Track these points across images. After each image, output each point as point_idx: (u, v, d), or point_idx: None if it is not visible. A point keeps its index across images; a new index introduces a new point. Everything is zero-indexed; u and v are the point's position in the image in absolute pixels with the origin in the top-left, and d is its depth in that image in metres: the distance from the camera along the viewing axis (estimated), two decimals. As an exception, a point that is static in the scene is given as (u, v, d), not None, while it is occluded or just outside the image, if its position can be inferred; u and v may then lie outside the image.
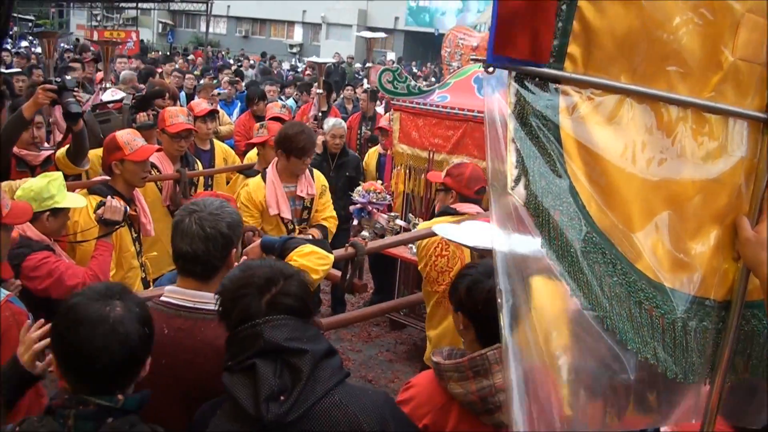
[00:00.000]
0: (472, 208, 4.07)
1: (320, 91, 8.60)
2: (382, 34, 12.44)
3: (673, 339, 1.82)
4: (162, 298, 2.37)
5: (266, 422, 1.78)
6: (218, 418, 1.92)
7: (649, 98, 1.76)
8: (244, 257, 3.26)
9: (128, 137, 4.02)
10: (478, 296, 2.45)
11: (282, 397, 1.81)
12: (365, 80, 10.82)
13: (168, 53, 24.99)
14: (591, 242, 1.72)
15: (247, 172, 5.25)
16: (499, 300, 1.61)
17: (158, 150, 4.55)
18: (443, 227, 3.18)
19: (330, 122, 6.72)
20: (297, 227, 4.95)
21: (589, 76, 1.73)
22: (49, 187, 3.27)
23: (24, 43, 19.45)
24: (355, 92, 11.22)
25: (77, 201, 3.56)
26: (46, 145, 4.66)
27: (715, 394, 1.87)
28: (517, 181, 1.70)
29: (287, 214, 4.80)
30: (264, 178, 4.84)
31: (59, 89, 4.40)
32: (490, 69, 1.69)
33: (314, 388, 1.86)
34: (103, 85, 6.77)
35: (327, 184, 5.21)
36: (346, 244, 3.47)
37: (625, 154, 1.75)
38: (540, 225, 1.69)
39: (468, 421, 2.36)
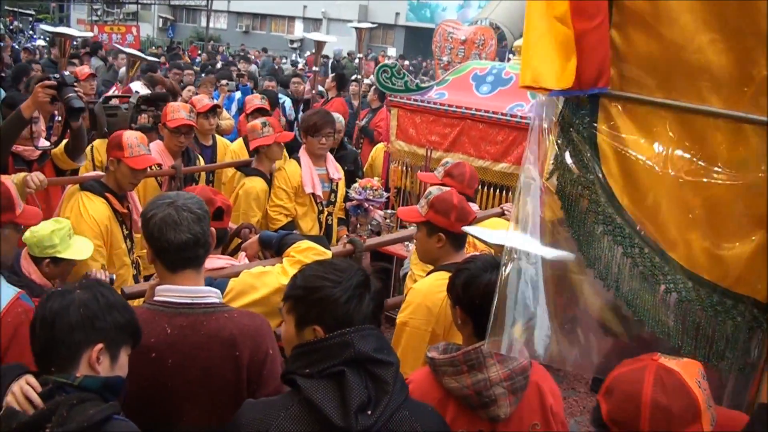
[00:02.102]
0: (474, 206, 4.07)
1: (316, 68, 8.61)
2: (367, 25, 12.44)
3: (695, 325, 2.01)
4: (157, 298, 2.34)
5: None
6: (285, 422, 1.84)
7: (680, 110, 1.96)
8: (242, 252, 3.27)
9: (133, 141, 3.95)
10: (475, 290, 2.46)
11: (369, 410, 1.79)
12: (356, 73, 10.84)
13: (167, 48, 24.97)
14: (616, 226, 2.01)
15: (245, 169, 5.21)
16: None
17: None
18: (472, 227, 3.15)
19: None
20: (325, 209, 5.22)
21: (623, 92, 2.02)
22: (52, 236, 3.21)
23: (40, 42, 19.33)
24: (359, 88, 11.21)
25: (82, 252, 3.42)
26: (43, 140, 4.63)
27: (754, 386, 2.02)
28: (551, 174, 2.08)
29: (320, 192, 5.11)
30: (262, 176, 5.01)
31: (58, 85, 4.34)
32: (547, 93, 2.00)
33: (394, 400, 1.85)
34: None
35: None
36: (345, 241, 3.46)
37: (657, 157, 1.99)
38: (566, 208, 2.05)
39: (465, 416, 2.37)
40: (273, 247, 3.06)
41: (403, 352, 2.96)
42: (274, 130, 5.03)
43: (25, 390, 1.89)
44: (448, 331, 2.96)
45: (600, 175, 2.01)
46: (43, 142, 4.62)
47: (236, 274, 2.80)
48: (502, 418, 2.34)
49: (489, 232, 3.16)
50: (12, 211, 2.70)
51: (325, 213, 5.28)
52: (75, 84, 4.51)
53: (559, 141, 2.07)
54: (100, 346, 1.93)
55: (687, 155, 1.96)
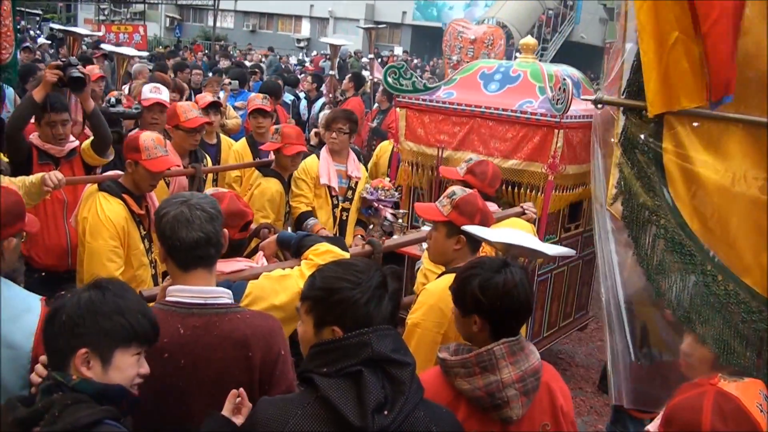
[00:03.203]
0: (493, 206, 4.05)
1: (333, 72, 8.57)
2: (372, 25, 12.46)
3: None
4: (170, 299, 2.34)
5: None
6: (303, 420, 1.84)
7: (754, 125, 1.83)
8: (261, 252, 3.28)
9: (150, 143, 3.93)
10: (494, 293, 2.41)
11: (386, 410, 1.79)
12: (365, 72, 10.81)
13: (174, 47, 24.99)
14: (687, 253, 1.87)
15: (263, 169, 5.22)
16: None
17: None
18: (474, 227, 3.13)
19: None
20: (341, 204, 5.34)
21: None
22: None
23: (41, 40, 19.36)
24: (367, 88, 11.21)
25: None
26: (72, 139, 4.68)
27: None
28: (615, 198, 1.98)
29: (335, 185, 5.28)
30: (279, 178, 5.12)
31: (64, 66, 4.46)
32: (599, 105, 1.90)
33: (410, 400, 1.85)
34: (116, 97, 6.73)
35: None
36: (363, 242, 3.47)
37: (729, 176, 1.84)
38: (633, 235, 1.92)
39: (476, 418, 2.36)
40: (291, 248, 3.07)
41: (414, 354, 2.92)
42: (282, 139, 5.04)
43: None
44: (459, 334, 2.95)
45: (668, 199, 1.89)
46: (72, 142, 4.69)
47: (255, 277, 2.80)
48: (514, 419, 2.33)
49: (491, 231, 3.16)
50: (23, 220, 2.73)
51: (340, 208, 5.36)
52: (79, 65, 4.55)
53: (621, 163, 1.97)
54: (83, 351, 1.94)
55: (762, 173, 1.83)
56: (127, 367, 2.01)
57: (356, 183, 5.43)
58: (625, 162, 1.92)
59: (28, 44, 16.30)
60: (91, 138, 4.73)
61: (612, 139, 1.95)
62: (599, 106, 1.98)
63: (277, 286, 2.75)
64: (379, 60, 20.12)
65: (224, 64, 16.05)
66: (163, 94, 5.69)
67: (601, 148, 2.00)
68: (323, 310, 1.95)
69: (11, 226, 2.65)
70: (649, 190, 1.88)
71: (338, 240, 3.22)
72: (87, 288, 2.03)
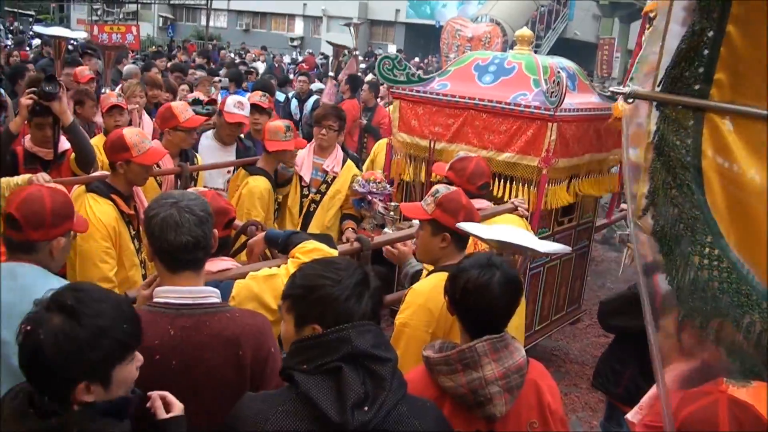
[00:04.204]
0: (483, 202, 4.02)
1: (332, 73, 8.55)
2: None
3: None
4: (158, 300, 2.32)
5: (350, 429, 1.75)
6: (283, 416, 1.85)
7: None
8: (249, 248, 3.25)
9: (136, 138, 3.90)
10: (457, 284, 2.46)
11: (366, 406, 1.79)
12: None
13: (167, 47, 24.92)
14: (722, 270, 1.69)
15: (250, 168, 5.18)
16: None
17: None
18: (468, 224, 3.10)
19: None
20: (310, 194, 5.40)
21: (736, 104, 1.67)
22: None
23: (36, 41, 19.25)
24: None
25: None
26: (63, 140, 4.65)
27: None
28: (645, 211, 1.76)
29: (306, 177, 5.39)
30: (266, 176, 5.08)
31: (39, 83, 4.40)
32: (630, 100, 1.73)
33: (392, 396, 1.84)
34: (103, 90, 6.67)
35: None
36: (352, 239, 3.44)
37: None
38: (664, 251, 1.73)
39: (461, 416, 2.35)
40: (279, 246, 3.07)
41: (403, 354, 2.83)
42: (294, 136, 5.07)
43: None
44: (448, 334, 2.92)
45: (705, 209, 1.68)
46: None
47: (243, 276, 2.80)
48: (497, 417, 2.32)
49: (484, 228, 3.13)
50: (71, 220, 2.76)
51: (309, 198, 5.41)
52: (53, 82, 4.43)
53: (653, 169, 1.74)
54: (82, 385, 1.83)
55: None
56: (127, 376, 1.97)
57: (333, 179, 5.41)
58: (659, 168, 1.70)
59: (7, 43, 16.19)
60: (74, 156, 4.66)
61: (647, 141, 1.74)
62: (630, 100, 1.75)
63: (264, 285, 2.76)
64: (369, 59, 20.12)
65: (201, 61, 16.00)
66: (245, 111, 5.78)
67: (631, 150, 1.81)
68: (304, 307, 1.96)
69: (59, 226, 2.67)
70: (685, 200, 1.69)
71: (326, 237, 3.22)
72: (52, 310, 1.84)
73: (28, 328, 1.81)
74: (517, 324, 3.09)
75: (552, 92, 4.63)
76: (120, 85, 8.49)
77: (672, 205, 1.70)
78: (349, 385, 1.79)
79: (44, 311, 1.83)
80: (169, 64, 12.90)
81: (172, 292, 2.32)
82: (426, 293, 3.02)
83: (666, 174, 1.71)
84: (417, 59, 28.13)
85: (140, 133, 4.01)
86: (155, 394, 1.96)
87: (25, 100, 4.35)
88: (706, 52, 1.64)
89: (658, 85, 1.75)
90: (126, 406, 1.93)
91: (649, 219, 1.74)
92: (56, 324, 1.80)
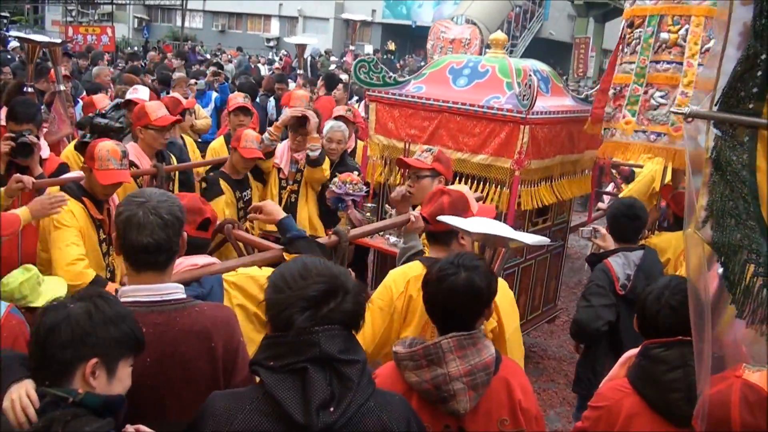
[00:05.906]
0: (463, 188, 4.10)
1: (301, 71, 8.62)
2: (362, 16, 12.63)
3: None
4: (125, 300, 2.29)
5: (315, 431, 1.77)
6: (251, 414, 1.87)
7: None
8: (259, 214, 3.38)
9: (104, 153, 3.91)
10: (425, 277, 2.56)
11: (332, 407, 1.80)
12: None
13: (142, 48, 24.73)
14: None
15: (210, 176, 5.33)
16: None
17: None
18: (451, 217, 3.18)
19: (328, 124, 6.18)
20: (288, 186, 5.75)
21: None
22: (21, 289, 3.16)
23: (14, 44, 19.03)
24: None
25: (55, 292, 3.28)
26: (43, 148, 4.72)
27: None
28: (704, 222, 1.84)
29: (285, 169, 5.74)
30: (226, 181, 5.29)
31: (17, 136, 4.43)
32: (690, 119, 1.83)
33: (359, 396, 1.86)
34: (57, 88, 6.67)
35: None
36: (329, 232, 3.51)
37: None
38: (723, 262, 1.80)
39: (427, 411, 2.38)
40: (283, 240, 3.18)
41: (371, 328, 3.07)
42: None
43: (24, 404, 1.87)
44: (402, 323, 3.09)
45: (761, 221, 1.76)
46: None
47: (224, 271, 2.86)
48: (461, 413, 2.35)
49: (468, 221, 3.18)
50: None
51: (288, 190, 5.75)
52: (30, 134, 4.51)
53: (712, 183, 1.81)
54: (94, 361, 1.90)
55: None
56: (125, 378, 2.01)
57: (304, 166, 5.65)
58: (717, 181, 1.78)
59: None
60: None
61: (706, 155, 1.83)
62: (689, 120, 1.85)
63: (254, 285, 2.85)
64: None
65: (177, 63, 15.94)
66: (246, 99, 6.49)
67: (691, 166, 1.88)
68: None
69: None
70: (743, 212, 1.77)
71: (321, 246, 3.23)
72: (72, 301, 1.97)
73: (49, 307, 1.95)
74: (514, 327, 3.15)
75: (524, 95, 4.70)
76: (108, 90, 8.55)
77: (730, 216, 1.78)
78: (314, 387, 1.80)
79: (66, 303, 1.96)
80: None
81: (138, 291, 2.32)
82: (393, 275, 3.20)
83: (724, 187, 1.79)
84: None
85: (113, 152, 3.97)
86: (131, 428, 1.95)
87: (5, 147, 4.38)
88: (759, 73, 1.72)
89: (716, 105, 1.85)
90: (121, 406, 1.95)
91: (709, 230, 1.82)
92: (78, 305, 1.94)
